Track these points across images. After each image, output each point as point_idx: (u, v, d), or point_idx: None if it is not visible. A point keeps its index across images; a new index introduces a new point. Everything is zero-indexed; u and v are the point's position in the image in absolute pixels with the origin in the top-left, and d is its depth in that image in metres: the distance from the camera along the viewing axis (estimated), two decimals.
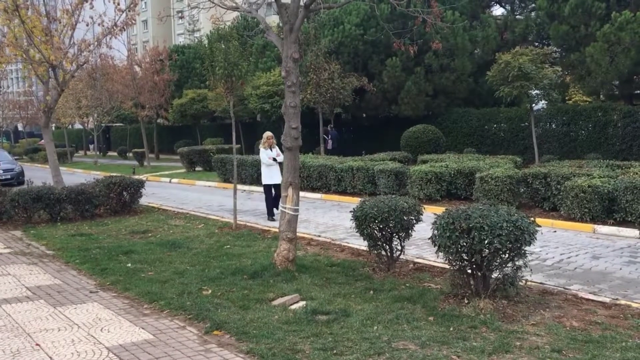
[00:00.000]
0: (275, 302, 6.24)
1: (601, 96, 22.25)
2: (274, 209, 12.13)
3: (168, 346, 5.13)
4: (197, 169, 25.41)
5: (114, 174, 14.43)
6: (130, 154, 35.55)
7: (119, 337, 5.39)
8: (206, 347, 5.06)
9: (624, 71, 18.26)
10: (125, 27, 14.71)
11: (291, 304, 6.18)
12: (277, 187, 11.88)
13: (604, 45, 18.05)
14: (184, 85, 35.42)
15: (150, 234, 10.73)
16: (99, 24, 14.35)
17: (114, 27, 14.32)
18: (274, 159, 12.34)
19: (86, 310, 6.27)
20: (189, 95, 32.81)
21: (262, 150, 12.54)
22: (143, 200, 14.34)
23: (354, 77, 21.89)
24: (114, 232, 11.10)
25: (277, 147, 12.30)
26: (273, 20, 31.29)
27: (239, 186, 18.01)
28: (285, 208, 7.58)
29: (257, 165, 19.03)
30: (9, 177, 22.18)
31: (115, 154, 41.75)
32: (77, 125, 49.58)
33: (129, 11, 14.65)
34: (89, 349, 5.12)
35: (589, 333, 5.16)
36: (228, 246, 9.37)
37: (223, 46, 10.40)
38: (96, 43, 14.94)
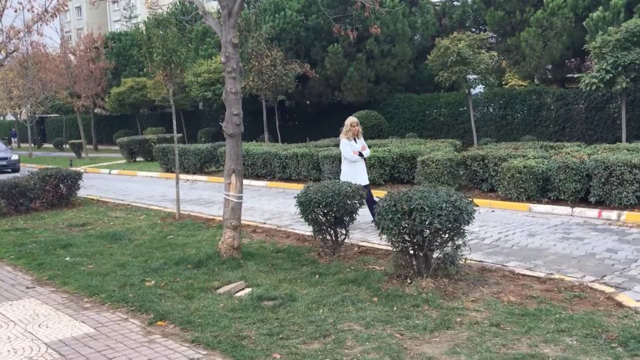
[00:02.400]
0: (221, 290, 6.20)
1: (535, 80, 23.03)
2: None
3: (110, 339, 5.01)
4: (138, 159, 24.83)
5: (50, 167, 13.90)
6: (67, 146, 34.36)
7: (58, 332, 5.23)
8: (150, 338, 4.98)
9: (557, 55, 18.96)
10: (56, 13, 14.09)
11: (237, 292, 6.15)
12: (365, 187, 8.81)
13: (538, 30, 18.68)
14: (122, 74, 34.44)
15: (89, 227, 10.42)
16: (28, 10, 13.69)
17: (45, 13, 13.70)
18: (360, 154, 9.47)
19: (23, 306, 6.04)
20: (128, 84, 31.93)
21: (344, 141, 9.53)
22: (81, 193, 13.90)
23: (296, 64, 21.83)
24: (51, 225, 10.71)
25: (362, 138, 9.79)
26: (212, 5, 30.76)
27: (182, 176, 17.74)
28: (228, 195, 7.52)
29: (200, 153, 18.83)
30: (4, 164, 22.42)
31: (51, 145, 40.23)
32: (9, 117, 47.40)
33: None
34: (26, 345, 4.95)
35: (526, 307, 5.37)
36: (171, 236, 9.21)
37: (161, 32, 10.14)
38: (26, 30, 14.28)
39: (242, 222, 7.91)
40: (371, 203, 8.90)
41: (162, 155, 19.89)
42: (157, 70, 10.64)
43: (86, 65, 30.10)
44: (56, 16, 14.34)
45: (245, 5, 22.06)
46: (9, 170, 22.62)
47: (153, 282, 6.63)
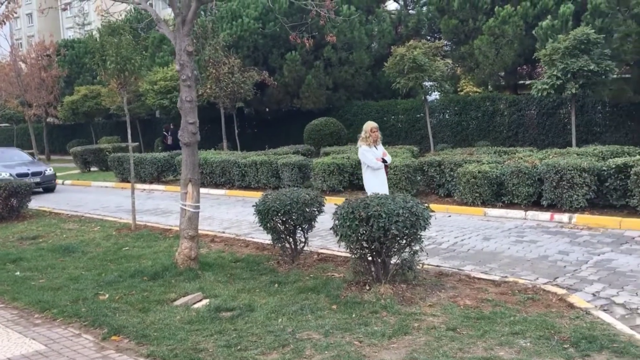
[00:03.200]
0: (177, 302, 6.10)
1: (489, 87, 23.52)
2: None
3: (62, 356, 4.86)
4: (92, 169, 24.26)
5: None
6: None
7: (7, 350, 5.04)
8: (103, 354, 4.85)
9: (509, 62, 19.41)
10: (5, 20, 13.68)
11: (194, 303, 6.06)
12: None
13: (490, 38, 19.10)
14: (75, 82, 33.63)
15: (41, 240, 10.12)
16: None
17: None
18: (383, 160, 8.87)
19: None
20: (81, 92, 31.18)
21: (363, 148, 8.85)
22: (33, 204, 13.49)
23: (254, 71, 21.72)
24: (0, 239, 10.35)
25: (381, 144, 9.16)
26: (168, 12, 30.38)
27: (139, 185, 17.43)
28: (185, 205, 7.41)
29: (156, 162, 18.52)
30: (38, 180, 17.77)
31: None
32: None
33: (9, 3, 13.64)
34: None
35: (481, 310, 5.45)
36: (127, 248, 9.02)
37: (115, 40, 9.96)
38: None
39: (200, 231, 7.82)
40: None
41: (117, 164, 19.49)
42: (111, 79, 10.44)
43: (38, 73, 29.33)
44: (5, 23, 13.93)
45: (202, 12, 21.84)
46: (41, 189, 17.95)
47: (107, 295, 6.47)
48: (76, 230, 10.92)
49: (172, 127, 27.54)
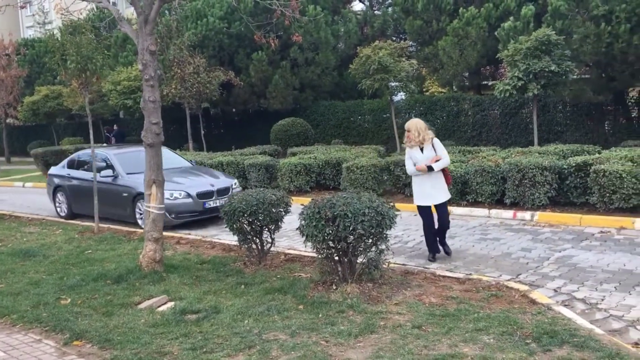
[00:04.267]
0: (142, 306, 6.01)
1: (454, 87, 23.83)
2: (440, 245, 7.79)
3: None
4: None
5: None
6: None
7: None
8: None
9: (472, 63, 19.70)
10: None
11: (159, 306, 5.98)
12: (441, 207, 7.57)
13: (454, 39, 19.36)
14: (36, 82, 32.82)
15: (0, 244, 9.84)
16: None
17: None
18: (429, 168, 7.32)
19: None
20: (42, 92, 30.43)
21: (406, 151, 7.63)
22: None
23: (220, 71, 21.55)
24: None
25: (435, 144, 7.46)
26: (132, 12, 29.93)
27: None
28: (149, 207, 7.30)
29: None
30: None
31: None
32: None
33: None
34: None
35: (446, 308, 5.52)
36: (89, 251, 8.85)
37: (76, 39, 9.75)
38: None
39: (165, 233, 7.72)
40: (442, 231, 7.61)
41: None
42: (72, 79, 10.23)
43: None
44: None
45: (167, 11, 21.57)
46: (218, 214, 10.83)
47: (69, 300, 6.34)
48: (37, 234, 10.67)
49: (115, 128, 27.51)
